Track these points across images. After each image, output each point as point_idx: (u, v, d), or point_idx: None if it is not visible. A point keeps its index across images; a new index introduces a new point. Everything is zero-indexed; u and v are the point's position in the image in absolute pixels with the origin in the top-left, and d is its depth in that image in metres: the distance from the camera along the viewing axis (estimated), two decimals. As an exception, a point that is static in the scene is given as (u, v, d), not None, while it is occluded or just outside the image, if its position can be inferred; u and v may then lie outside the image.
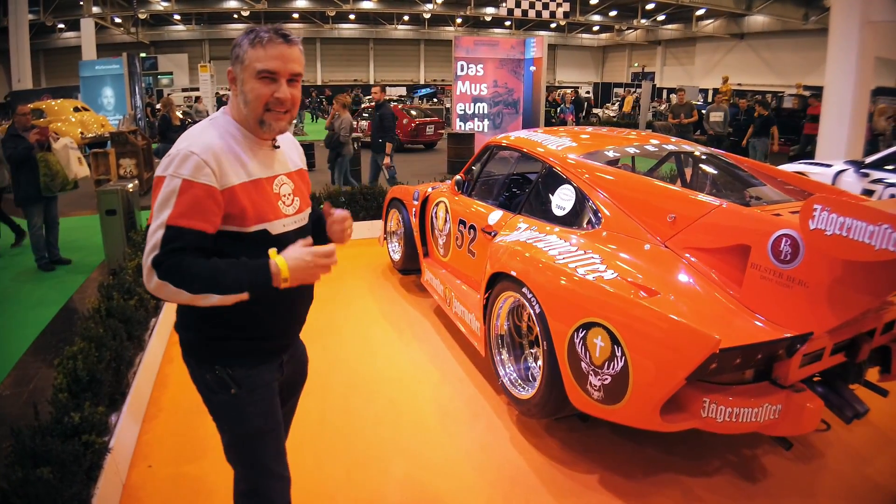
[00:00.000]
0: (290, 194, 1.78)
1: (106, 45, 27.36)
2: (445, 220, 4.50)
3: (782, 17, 26.56)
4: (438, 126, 16.73)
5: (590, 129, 4.63)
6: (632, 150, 3.90)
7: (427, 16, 34.23)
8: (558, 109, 18.35)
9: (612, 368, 2.49)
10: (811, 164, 7.11)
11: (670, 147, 3.85)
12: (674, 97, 25.57)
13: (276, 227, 1.71)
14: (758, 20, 28.87)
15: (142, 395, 3.43)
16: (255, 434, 1.79)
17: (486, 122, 14.27)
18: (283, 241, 1.67)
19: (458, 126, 14.03)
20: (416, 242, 5.07)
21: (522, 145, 4.05)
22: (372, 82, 38.54)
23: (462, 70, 13.81)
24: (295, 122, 24.48)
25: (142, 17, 30.30)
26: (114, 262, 5.37)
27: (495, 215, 3.88)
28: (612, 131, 4.51)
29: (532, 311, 2.98)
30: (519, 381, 3.29)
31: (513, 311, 3.37)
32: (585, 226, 3.21)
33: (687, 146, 3.94)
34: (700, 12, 30.40)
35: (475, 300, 3.80)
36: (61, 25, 30.68)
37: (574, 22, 34.96)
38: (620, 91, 36.89)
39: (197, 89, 25.48)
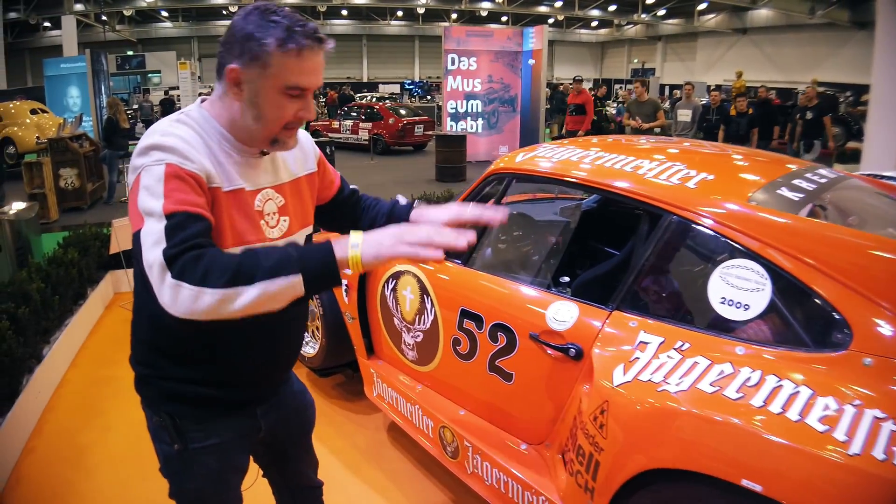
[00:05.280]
0: (274, 213, 1.40)
1: (92, 42, 25.97)
2: (422, 306, 2.61)
3: (787, 11, 25.68)
4: (428, 126, 15.64)
5: (647, 140, 2.89)
6: (806, 185, 2.12)
7: (421, 11, 33.27)
8: (615, 111, 15.25)
9: None
10: (875, 176, 6.00)
11: (834, 175, 2.34)
12: (623, 91, 22.65)
13: None
14: (762, 14, 28.05)
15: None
16: (196, 496, 1.53)
17: (479, 121, 13.19)
18: None
19: (450, 126, 12.94)
20: (352, 333, 3.15)
21: (583, 176, 2.24)
22: (366, 80, 37.67)
23: (453, 64, 12.75)
24: None
25: (127, 14, 29.18)
26: None
27: (564, 312, 2.07)
28: (684, 142, 2.98)
29: None
30: None
31: None
32: (808, 343, 1.62)
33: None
34: (702, 6, 29.70)
35: (534, 460, 2.18)
36: (46, 24, 29.49)
37: (572, 17, 34.21)
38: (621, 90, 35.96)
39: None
